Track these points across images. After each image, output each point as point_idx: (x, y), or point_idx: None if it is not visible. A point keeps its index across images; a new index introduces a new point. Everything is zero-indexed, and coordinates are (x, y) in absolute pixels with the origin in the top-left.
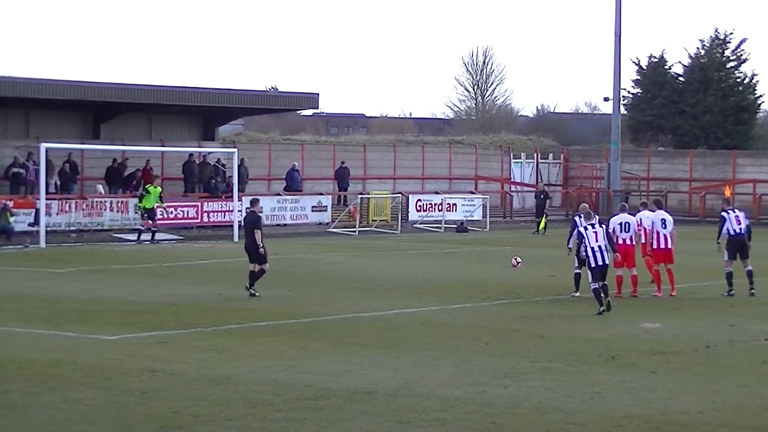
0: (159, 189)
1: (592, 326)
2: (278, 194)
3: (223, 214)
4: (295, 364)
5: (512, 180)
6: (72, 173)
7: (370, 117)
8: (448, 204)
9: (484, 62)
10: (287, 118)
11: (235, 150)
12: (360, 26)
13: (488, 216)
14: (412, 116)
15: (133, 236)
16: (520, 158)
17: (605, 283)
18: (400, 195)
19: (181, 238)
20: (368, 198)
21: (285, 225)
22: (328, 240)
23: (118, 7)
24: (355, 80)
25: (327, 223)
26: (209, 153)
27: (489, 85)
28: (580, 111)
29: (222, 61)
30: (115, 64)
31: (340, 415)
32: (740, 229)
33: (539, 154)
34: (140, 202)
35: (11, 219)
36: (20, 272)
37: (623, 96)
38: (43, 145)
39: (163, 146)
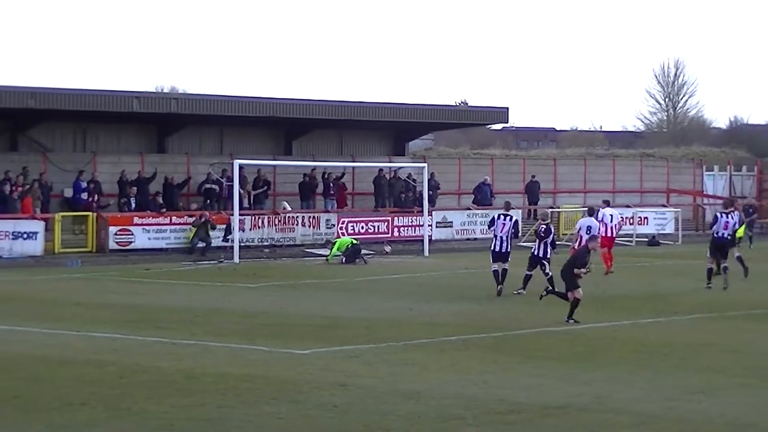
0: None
1: None
2: (468, 208)
3: (413, 228)
4: (485, 378)
5: (705, 193)
6: (264, 188)
7: (560, 130)
8: (640, 217)
9: (675, 74)
10: (477, 132)
11: (425, 165)
12: (550, 40)
13: (680, 229)
14: (603, 129)
15: (325, 251)
16: (712, 171)
17: None
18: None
19: (371, 252)
20: (558, 212)
21: (475, 239)
22: (518, 254)
23: (310, 26)
24: (545, 93)
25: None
26: (399, 168)
27: (681, 98)
28: None
29: (412, 76)
30: (306, 81)
31: (530, 430)
32: (725, 233)
33: (732, 167)
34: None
35: (211, 233)
36: (215, 287)
37: None
38: (237, 161)
39: (353, 161)
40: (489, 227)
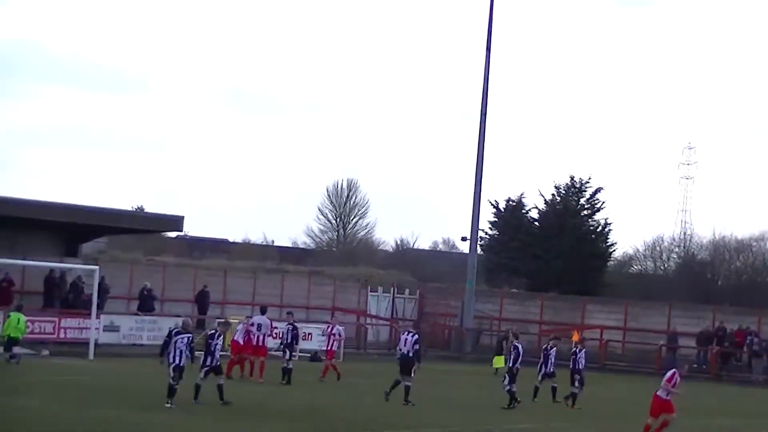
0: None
1: None
2: (136, 313)
3: (80, 331)
4: None
5: (368, 312)
6: None
7: (233, 242)
8: (304, 333)
9: (348, 195)
10: (151, 239)
11: (97, 268)
12: (225, 152)
13: (343, 347)
14: (275, 243)
15: None
16: (377, 292)
17: None
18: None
19: (34, 353)
20: (227, 323)
21: (142, 345)
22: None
23: None
24: (220, 204)
25: None
26: (70, 269)
27: (351, 218)
28: (438, 248)
29: (90, 179)
30: None
31: None
32: (407, 351)
33: (396, 289)
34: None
35: None
36: None
37: (480, 237)
38: None
39: (24, 260)
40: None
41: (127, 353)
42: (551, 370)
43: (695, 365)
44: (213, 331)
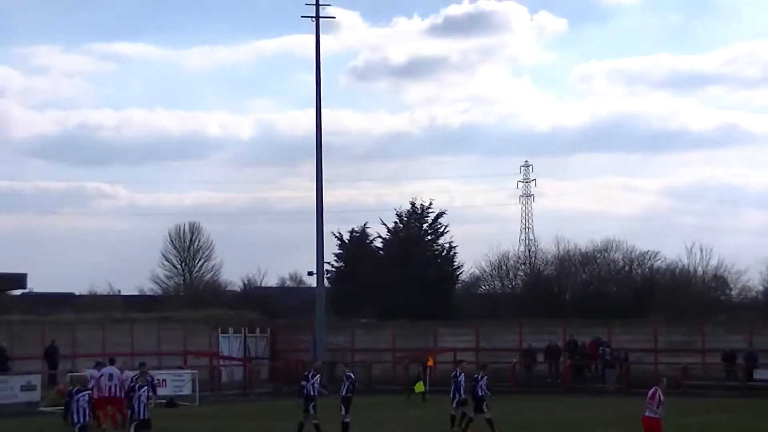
0: None
1: None
2: None
3: None
4: None
5: (220, 354)
6: None
7: (79, 295)
8: (158, 380)
9: (191, 239)
10: None
11: None
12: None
13: (197, 390)
14: (121, 293)
15: None
16: (228, 333)
17: None
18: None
19: None
20: (77, 376)
21: None
22: (38, 419)
23: None
24: (63, 259)
25: (37, 402)
26: None
27: (197, 261)
28: (286, 284)
29: None
30: None
31: None
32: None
33: (247, 328)
34: None
35: None
36: None
37: (327, 270)
38: None
39: None
40: None
41: None
42: (463, 396)
43: (549, 380)
44: (133, 384)
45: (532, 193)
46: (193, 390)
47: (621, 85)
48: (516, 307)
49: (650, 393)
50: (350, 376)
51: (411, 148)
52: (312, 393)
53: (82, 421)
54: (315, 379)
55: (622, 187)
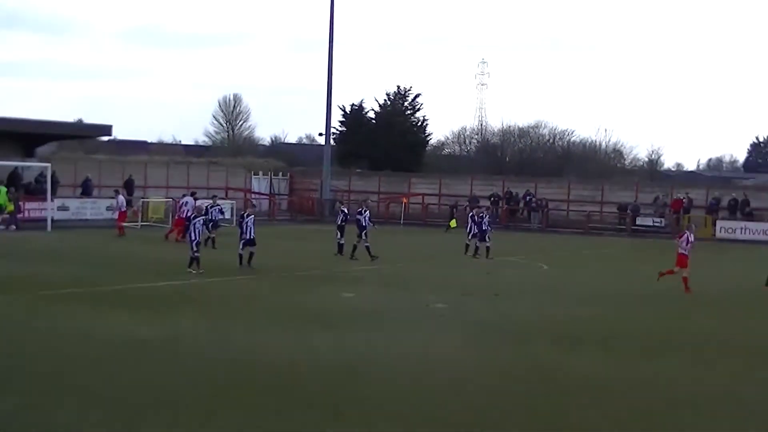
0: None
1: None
2: (81, 197)
3: (40, 211)
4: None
5: (252, 190)
6: None
7: (151, 143)
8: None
9: (234, 105)
10: (89, 142)
11: (49, 165)
12: (144, 76)
13: (235, 215)
14: (181, 142)
15: None
16: (258, 175)
17: None
18: (171, 200)
19: (3, 227)
20: (147, 202)
21: (86, 220)
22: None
23: None
24: (141, 113)
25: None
26: (29, 167)
27: (238, 122)
28: (303, 142)
29: (40, 97)
30: None
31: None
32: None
33: (272, 172)
34: None
35: None
36: None
37: (333, 132)
38: None
39: None
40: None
41: (75, 226)
42: (476, 231)
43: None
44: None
45: (485, 83)
46: (232, 215)
47: None
48: (469, 165)
49: (679, 234)
50: (344, 210)
51: None
52: (363, 224)
53: (197, 238)
54: (366, 213)
55: None
